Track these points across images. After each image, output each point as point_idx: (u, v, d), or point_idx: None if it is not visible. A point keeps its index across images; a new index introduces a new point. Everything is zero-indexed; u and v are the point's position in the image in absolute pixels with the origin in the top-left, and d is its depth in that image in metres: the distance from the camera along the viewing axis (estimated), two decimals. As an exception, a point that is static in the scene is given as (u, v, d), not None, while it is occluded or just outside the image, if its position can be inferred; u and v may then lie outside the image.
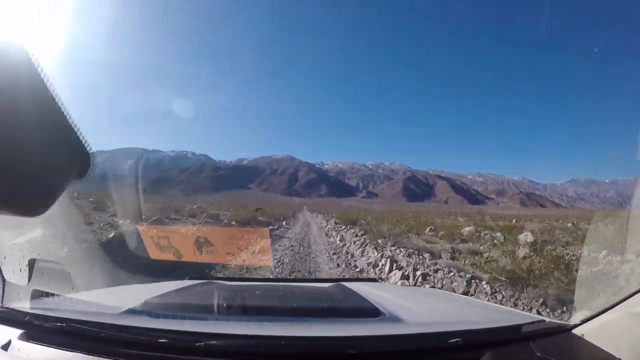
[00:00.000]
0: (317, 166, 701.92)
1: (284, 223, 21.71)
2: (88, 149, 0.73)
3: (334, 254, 10.01)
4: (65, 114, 0.68)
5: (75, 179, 0.75)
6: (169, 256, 3.26)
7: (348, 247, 11.67)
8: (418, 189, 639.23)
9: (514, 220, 28.36)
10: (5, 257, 1.29)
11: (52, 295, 1.35)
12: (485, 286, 5.85)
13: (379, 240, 11.91)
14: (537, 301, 5.20)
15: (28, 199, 0.66)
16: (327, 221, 27.34)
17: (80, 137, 0.71)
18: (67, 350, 0.99)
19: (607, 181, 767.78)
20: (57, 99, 0.66)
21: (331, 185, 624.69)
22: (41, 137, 0.66)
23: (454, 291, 5.47)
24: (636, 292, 1.06)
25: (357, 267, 8.25)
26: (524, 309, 4.88)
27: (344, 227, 19.88)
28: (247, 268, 6.68)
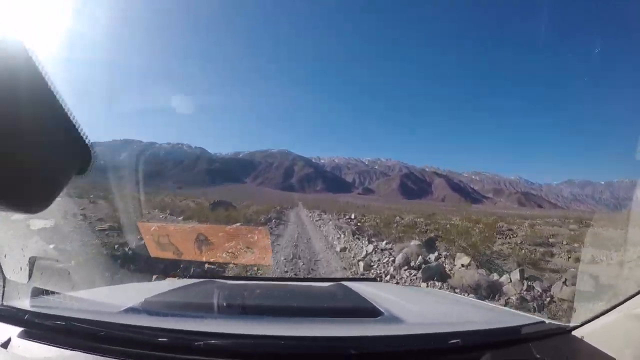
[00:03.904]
0: (314, 161, 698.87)
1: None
2: (89, 145, 0.73)
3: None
4: (65, 109, 0.67)
5: (76, 175, 0.74)
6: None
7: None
8: (415, 186, 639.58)
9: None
10: (5, 256, 1.27)
11: (52, 293, 1.35)
12: None
13: None
14: None
15: (29, 196, 0.65)
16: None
17: (81, 133, 0.71)
18: (66, 349, 0.99)
19: (602, 183, 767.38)
20: (57, 94, 0.65)
21: (327, 180, 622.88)
22: (41, 133, 0.65)
23: None
24: (636, 294, 1.07)
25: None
26: None
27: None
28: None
